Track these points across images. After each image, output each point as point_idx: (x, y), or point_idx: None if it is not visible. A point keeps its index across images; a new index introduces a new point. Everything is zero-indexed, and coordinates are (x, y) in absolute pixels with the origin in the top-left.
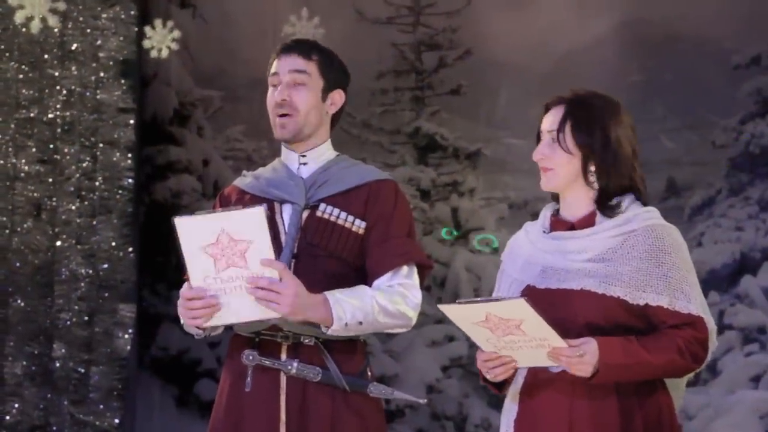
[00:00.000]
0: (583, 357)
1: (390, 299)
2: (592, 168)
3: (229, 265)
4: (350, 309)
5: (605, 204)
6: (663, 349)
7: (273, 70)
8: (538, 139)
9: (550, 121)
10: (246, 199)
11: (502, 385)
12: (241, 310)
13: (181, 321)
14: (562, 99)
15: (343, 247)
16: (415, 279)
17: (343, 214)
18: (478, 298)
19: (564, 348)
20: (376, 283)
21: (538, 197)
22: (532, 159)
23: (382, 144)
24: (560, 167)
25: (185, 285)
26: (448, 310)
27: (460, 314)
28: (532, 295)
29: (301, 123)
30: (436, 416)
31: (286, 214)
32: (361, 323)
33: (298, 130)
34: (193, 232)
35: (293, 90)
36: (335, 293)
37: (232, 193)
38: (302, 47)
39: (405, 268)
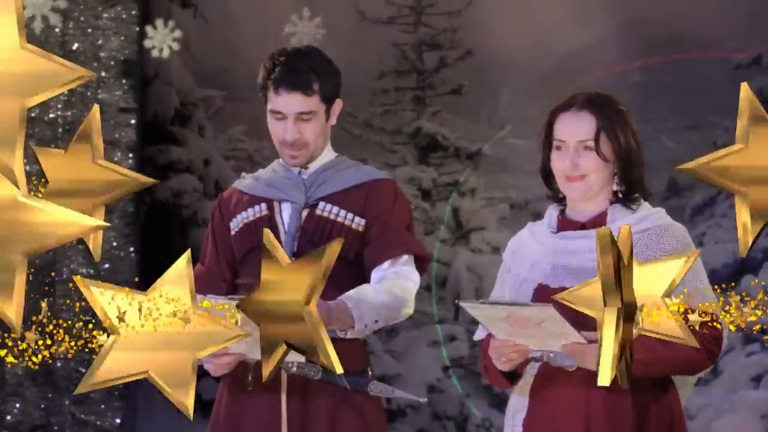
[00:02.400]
0: None
1: (393, 285)
2: (616, 170)
3: None
4: (368, 311)
5: (627, 197)
6: (680, 344)
7: (275, 107)
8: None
9: (583, 130)
10: (245, 200)
11: (513, 378)
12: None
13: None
14: (586, 103)
15: (343, 246)
16: (413, 267)
17: (343, 212)
18: (504, 301)
19: (583, 344)
20: (375, 271)
21: (540, 197)
22: (532, 159)
23: (383, 144)
24: (594, 173)
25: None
26: (471, 308)
27: (481, 312)
28: (546, 293)
29: (312, 152)
30: (437, 416)
31: (286, 213)
32: (377, 321)
33: (310, 158)
34: None
35: (302, 126)
36: (353, 298)
37: (232, 196)
38: (303, 82)
39: (404, 257)
